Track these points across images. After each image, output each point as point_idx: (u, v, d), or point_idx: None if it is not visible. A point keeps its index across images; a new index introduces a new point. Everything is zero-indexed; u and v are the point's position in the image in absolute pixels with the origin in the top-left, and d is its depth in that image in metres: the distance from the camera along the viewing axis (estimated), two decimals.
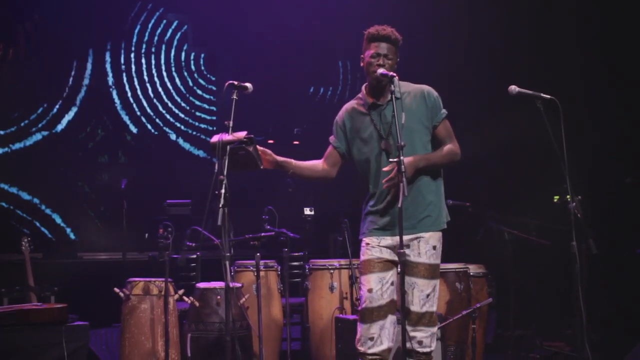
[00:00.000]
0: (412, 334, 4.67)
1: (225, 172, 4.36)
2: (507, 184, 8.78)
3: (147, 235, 8.43)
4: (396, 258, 4.71)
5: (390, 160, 4.52)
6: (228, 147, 4.41)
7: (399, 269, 4.69)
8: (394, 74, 4.53)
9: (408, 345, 4.67)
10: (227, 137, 4.43)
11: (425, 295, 4.69)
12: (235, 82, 4.57)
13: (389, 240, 4.71)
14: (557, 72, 8.64)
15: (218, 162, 4.39)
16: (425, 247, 4.71)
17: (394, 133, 4.63)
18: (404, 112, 4.55)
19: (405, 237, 4.66)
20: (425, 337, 4.71)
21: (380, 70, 4.60)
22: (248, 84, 4.62)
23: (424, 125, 4.75)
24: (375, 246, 4.71)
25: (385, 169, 4.54)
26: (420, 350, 4.69)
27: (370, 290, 4.66)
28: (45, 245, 8.83)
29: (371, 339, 4.67)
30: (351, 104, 4.89)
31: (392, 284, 4.74)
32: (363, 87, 4.86)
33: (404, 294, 4.45)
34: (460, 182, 8.50)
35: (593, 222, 5.09)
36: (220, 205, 4.29)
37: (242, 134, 4.50)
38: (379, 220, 4.72)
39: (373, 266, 4.70)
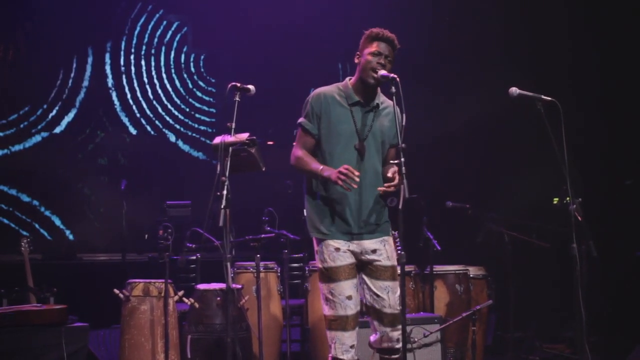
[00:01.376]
0: (391, 334, 4.71)
1: (227, 174, 4.36)
2: (507, 186, 8.78)
3: (146, 236, 8.44)
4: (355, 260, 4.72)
5: (392, 162, 4.54)
6: (230, 149, 4.42)
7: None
8: (395, 76, 4.52)
9: (387, 344, 4.74)
10: (229, 138, 4.43)
11: (397, 297, 4.71)
12: (238, 84, 4.57)
13: (355, 245, 4.70)
14: (558, 73, 8.65)
15: (220, 163, 4.39)
16: (390, 249, 4.75)
17: (369, 138, 4.68)
18: (381, 128, 4.67)
19: (371, 241, 4.71)
20: (400, 335, 4.74)
21: (382, 72, 4.58)
22: (251, 86, 4.62)
23: (388, 141, 4.77)
24: (346, 251, 4.67)
25: (389, 174, 4.48)
26: (398, 346, 4.73)
27: (349, 298, 4.62)
28: (45, 247, 8.82)
29: (352, 346, 4.66)
30: (330, 91, 4.76)
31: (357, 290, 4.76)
32: (348, 81, 4.80)
33: (404, 296, 4.45)
34: (459, 184, 8.57)
35: (593, 224, 5.09)
36: (222, 207, 4.29)
37: (244, 136, 4.51)
38: (347, 224, 4.69)
39: (348, 272, 4.65)
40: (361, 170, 4.62)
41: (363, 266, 4.74)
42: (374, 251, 4.70)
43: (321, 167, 4.60)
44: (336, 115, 4.69)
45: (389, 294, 4.68)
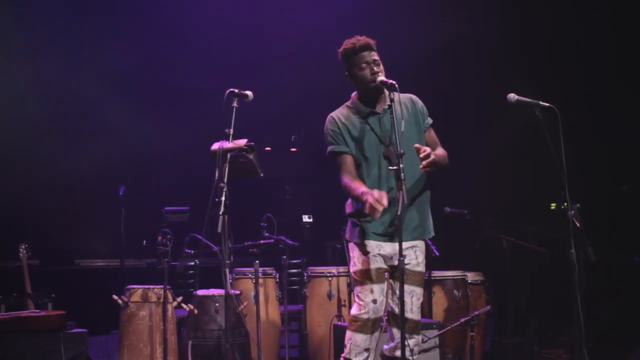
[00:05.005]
0: (407, 341, 4.65)
1: (225, 180, 4.37)
2: (505, 191, 8.80)
3: (145, 242, 8.43)
4: (385, 266, 4.72)
5: (390, 168, 4.54)
6: (229, 155, 4.43)
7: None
8: (394, 82, 4.53)
9: (400, 352, 4.67)
10: (227, 144, 4.45)
11: (420, 304, 4.73)
12: (236, 90, 4.58)
13: (387, 248, 4.71)
14: (555, 80, 8.66)
15: (218, 169, 4.41)
16: (421, 256, 4.79)
17: (393, 141, 4.66)
18: (403, 121, 4.59)
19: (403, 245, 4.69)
20: (416, 346, 4.74)
21: (381, 78, 4.60)
22: (248, 92, 4.63)
23: (419, 130, 4.77)
24: (376, 254, 4.69)
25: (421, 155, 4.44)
26: (412, 358, 4.71)
27: (375, 302, 4.65)
28: (43, 252, 8.81)
29: (367, 350, 4.66)
30: (341, 112, 4.81)
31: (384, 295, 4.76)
32: (353, 96, 4.84)
33: (403, 301, 4.44)
34: (458, 190, 8.57)
35: (590, 230, 5.09)
36: (221, 213, 4.30)
37: (242, 142, 4.52)
38: (379, 226, 4.68)
39: (376, 276, 4.68)
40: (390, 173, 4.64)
41: (392, 271, 4.76)
42: (403, 255, 4.70)
43: (361, 191, 4.52)
44: (356, 131, 4.74)
45: (413, 299, 4.71)
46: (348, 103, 4.85)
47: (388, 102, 4.70)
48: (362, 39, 4.71)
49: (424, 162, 4.45)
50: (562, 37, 8.85)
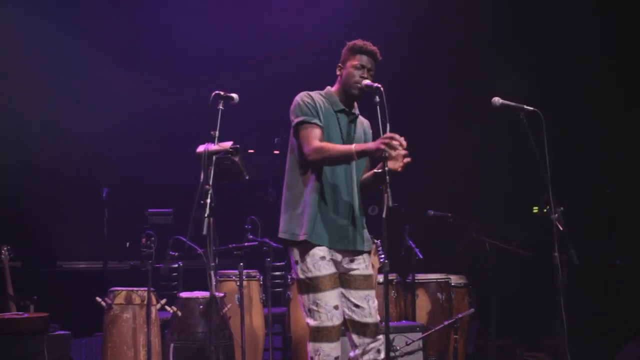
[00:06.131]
0: (372, 345, 4.62)
1: (210, 182, 4.37)
2: (489, 194, 8.82)
3: (128, 244, 8.40)
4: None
5: (376, 171, 4.57)
6: (214, 157, 4.43)
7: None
8: (379, 85, 4.53)
9: (369, 357, 4.64)
10: (213, 147, 4.44)
11: (376, 305, 4.69)
12: (222, 92, 4.58)
13: (342, 253, 4.63)
14: (537, 82, 8.69)
15: (204, 171, 4.40)
16: (368, 259, 4.74)
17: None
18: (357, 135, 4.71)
19: (351, 250, 4.67)
20: (381, 346, 4.68)
21: (366, 82, 4.60)
22: (234, 95, 4.62)
23: None
24: (329, 259, 4.58)
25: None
26: (381, 358, 4.63)
27: (336, 307, 4.53)
28: (25, 254, 8.76)
29: (337, 358, 4.58)
30: (318, 96, 4.72)
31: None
32: (331, 89, 4.79)
33: (388, 304, 4.43)
34: (441, 192, 8.60)
35: (573, 232, 5.12)
36: (206, 215, 4.30)
37: (228, 144, 4.52)
38: (336, 230, 4.61)
39: (333, 282, 4.57)
40: (351, 179, 4.65)
41: (339, 277, 4.65)
42: (352, 260, 4.66)
43: (353, 145, 4.45)
44: (325, 119, 4.66)
45: (369, 303, 4.62)
46: (321, 92, 4.77)
47: (356, 111, 4.78)
48: (374, 48, 4.70)
49: (405, 160, 4.44)
50: (545, 36, 8.88)
